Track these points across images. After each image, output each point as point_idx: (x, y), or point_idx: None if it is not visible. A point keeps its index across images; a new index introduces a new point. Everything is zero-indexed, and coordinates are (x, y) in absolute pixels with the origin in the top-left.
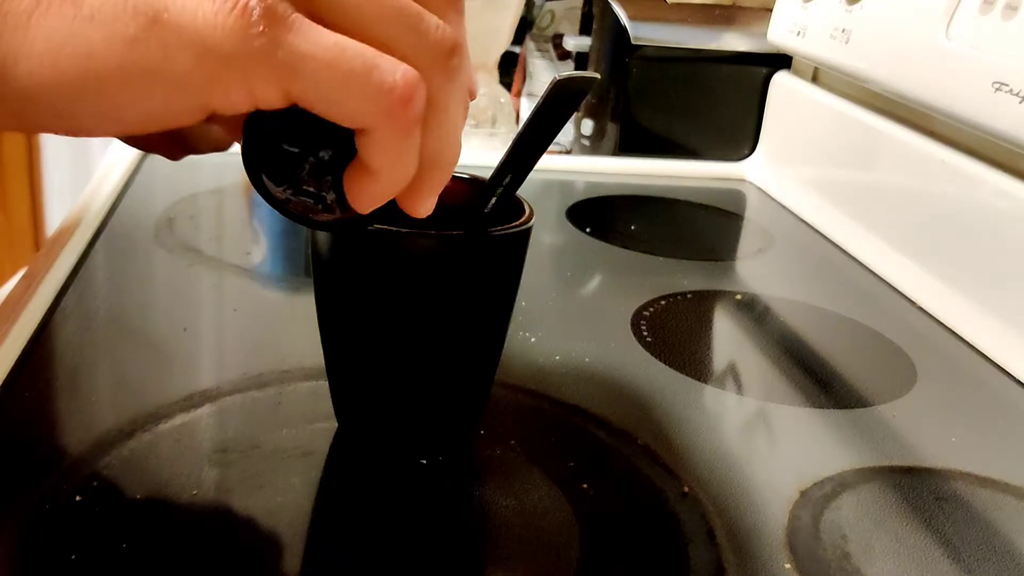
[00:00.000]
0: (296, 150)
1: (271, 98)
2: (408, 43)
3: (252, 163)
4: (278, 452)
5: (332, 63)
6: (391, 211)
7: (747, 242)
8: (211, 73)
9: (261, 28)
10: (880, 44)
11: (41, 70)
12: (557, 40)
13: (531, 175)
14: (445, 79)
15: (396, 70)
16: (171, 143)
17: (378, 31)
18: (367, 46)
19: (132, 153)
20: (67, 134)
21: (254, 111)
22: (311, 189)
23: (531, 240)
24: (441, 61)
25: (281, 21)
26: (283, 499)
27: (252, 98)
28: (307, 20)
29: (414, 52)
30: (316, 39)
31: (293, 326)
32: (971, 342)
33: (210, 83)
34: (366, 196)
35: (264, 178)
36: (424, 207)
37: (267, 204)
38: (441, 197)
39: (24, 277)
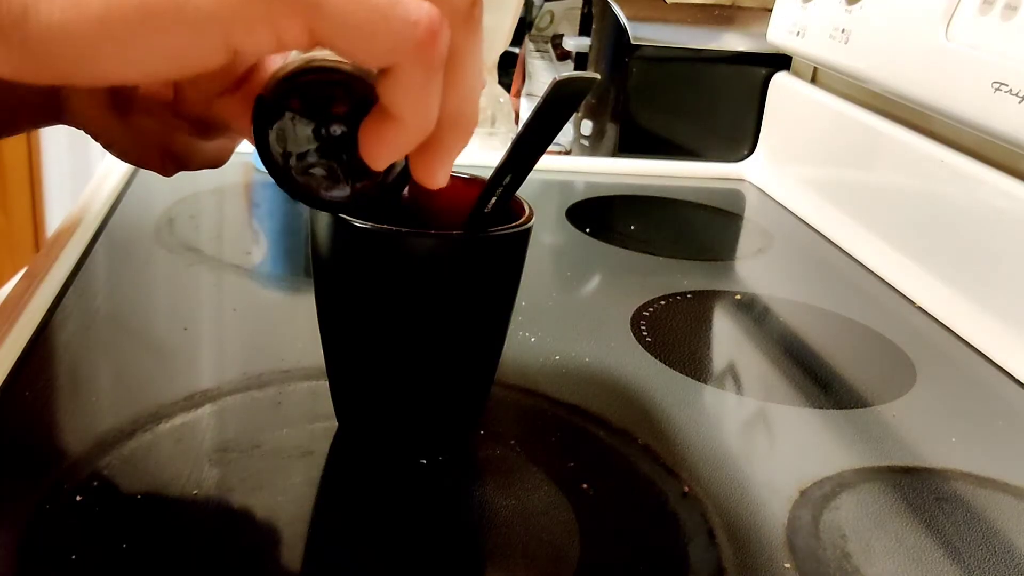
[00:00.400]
0: (307, 123)
1: (295, 36)
2: None
3: (261, 135)
4: (278, 452)
5: None
6: (393, 209)
7: (747, 242)
8: (235, 11)
9: None
10: (880, 44)
11: (63, 12)
12: (556, 40)
13: (531, 175)
14: (466, 31)
15: (421, 5)
16: (163, 158)
17: None
18: None
19: None
20: (89, 82)
21: (263, 91)
22: (319, 166)
23: (531, 240)
24: (462, 10)
25: None
26: (283, 499)
27: (276, 37)
28: None
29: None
30: None
31: (293, 326)
32: (971, 342)
33: (234, 21)
34: (385, 146)
35: (271, 150)
36: (440, 174)
37: (273, 183)
38: (441, 197)
39: (24, 277)
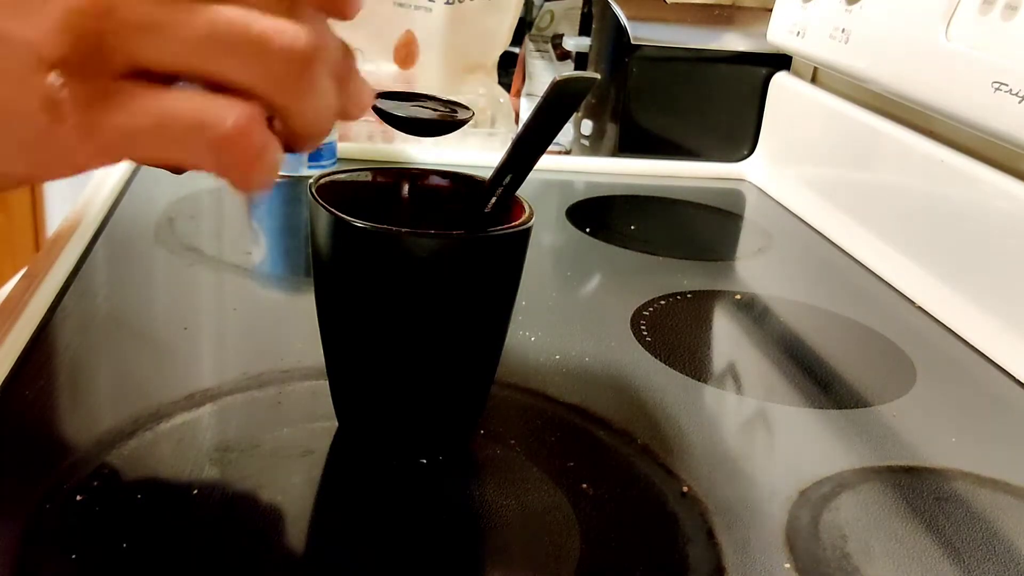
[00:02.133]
0: None
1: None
2: (248, 74)
3: None
4: (278, 452)
5: (159, 129)
6: (392, 209)
7: (747, 242)
8: (46, 149)
9: (70, 118)
10: (880, 44)
11: None
12: (556, 40)
13: (531, 175)
14: (297, 96)
15: (227, 118)
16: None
17: (213, 66)
18: (193, 95)
19: None
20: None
21: None
22: None
23: (531, 240)
24: (291, 82)
25: (90, 103)
26: (283, 499)
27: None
28: (123, 84)
29: (257, 80)
30: (135, 108)
31: (293, 326)
32: (971, 342)
33: (49, 153)
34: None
35: None
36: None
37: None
38: (441, 197)
39: (24, 277)
